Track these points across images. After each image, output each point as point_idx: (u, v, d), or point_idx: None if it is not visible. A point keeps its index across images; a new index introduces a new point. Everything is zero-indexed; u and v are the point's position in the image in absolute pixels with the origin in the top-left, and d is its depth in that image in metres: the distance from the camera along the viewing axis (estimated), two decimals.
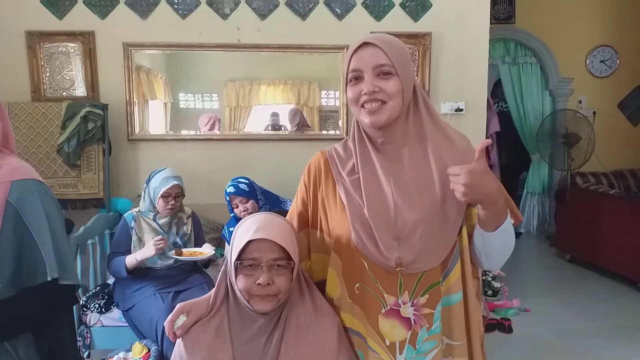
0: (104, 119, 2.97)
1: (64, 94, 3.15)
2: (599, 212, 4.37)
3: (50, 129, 2.94)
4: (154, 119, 3.44)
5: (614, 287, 4.12)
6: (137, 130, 3.24)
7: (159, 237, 2.30)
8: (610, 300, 3.81)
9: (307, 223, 1.28)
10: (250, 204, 2.55)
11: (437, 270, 1.11)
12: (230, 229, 2.66)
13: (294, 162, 3.23)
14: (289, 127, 3.55)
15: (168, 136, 3.34)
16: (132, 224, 2.43)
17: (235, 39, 3.23)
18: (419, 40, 3.31)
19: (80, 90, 3.15)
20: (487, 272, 3.69)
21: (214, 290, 1.23)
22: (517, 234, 5.89)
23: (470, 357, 1.17)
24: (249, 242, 1.12)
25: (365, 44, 1.10)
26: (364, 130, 1.18)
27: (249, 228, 1.15)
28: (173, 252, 2.37)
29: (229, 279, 1.19)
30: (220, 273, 1.24)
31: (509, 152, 6.35)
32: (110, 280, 2.73)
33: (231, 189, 2.58)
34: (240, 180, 2.62)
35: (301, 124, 3.52)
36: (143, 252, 2.32)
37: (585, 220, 4.43)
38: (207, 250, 2.42)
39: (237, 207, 2.57)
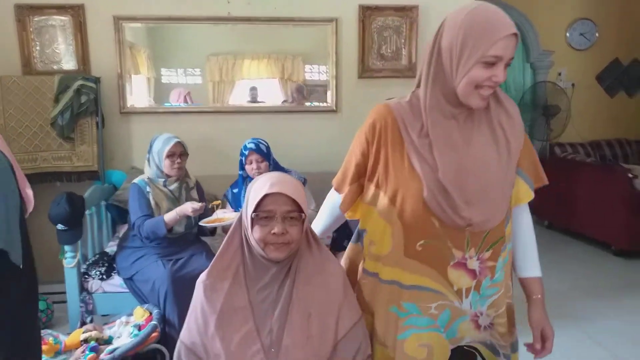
0: (97, 92, 3.01)
1: (55, 67, 3.17)
2: (575, 180, 4.57)
3: (44, 103, 2.97)
4: (138, 95, 3.43)
5: (590, 250, 4.34)
6: (129, 103, 3.27)
7: (199, 204, 2.38)
8: (586, 263, 4.03)
9: (363, 174, 1.31)
10: (264, 165, 2.63)
11: (500, 228, 1.24)
12: (234, 190, 2.76)
13: (282, 134, 3.31)
14: (288, 100, 3.61)
15: (160, 109, 3.39)
16: (148, 189, 2.49)
17: (225, 12, 3.26)
18: (406, 13, 3.38)
19: (71, 64, 3.17)
20: None
21: (225, 241, 1.33)
22: None
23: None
24: (266, 196, 1.22)
25: (513, 35, 1.11)
26: (440, 100, 1.19)
27: (264, 184, 1.25)
28: (205, 220, 2.45)
29: (244, 231, 1.29)
30: (231, 227, 1.34)
31: None
32: (109, 249, 2.81)
33: (252, 146, 2.65)
34: (261, 140, 2.70)
35: (301, 98, 3.59)
36: (181, 209, 2.39)
37: (562, 188, 4.62)
38: (231, 214, 2.46)
39: (252, 163, 2.63)
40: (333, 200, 1.45)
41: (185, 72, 3.54)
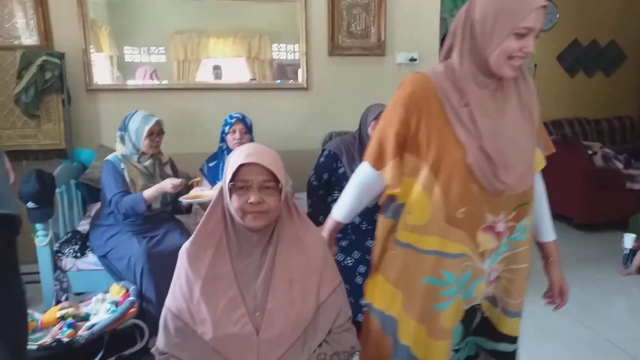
0: (62, 68, 2.93)
1: (16, 42, 3.06)
2: None
3: (5, 79, 2.87)
4: (102, 73, 3.34)
5: (554, 225, 4.51)
6: (97, 78, 3.19)
7: (179, 180, 2.37)
8: None
9: (403, 145, 1.30)
10: (246, 137, 2.66)
11: (529, 191, 1.32)
12: (210, 164, 2.76)
13: (253, 111, 3.29)
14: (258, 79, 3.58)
15: (128, 86, 3.32)
16: (122, 165, 2.46)
17: None
18: None
19: (33, 39, 3.07)
20: None
21: (207, 211, 1.35)
22: None
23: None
24: (241, 166, 1.25)
25: (543, 7, 1.16)
26: (475, 71, 1.23)
27: (241, 154, 1.28)
28: (185, 195, 2.45)
29: (225, 200, 1.31)
30: (213, 198, 1.36)
31: None
32: (81, 228, 2.77)
33: (239, 115, 2.69)
34: (245, 114, 2.74)
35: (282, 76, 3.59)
36: (160, 186, 2.38)
37: None
38: (210, 192, 2.47)
39: (234, 132, 2.65)
40: (366, 178, 1.40)
41: (148, 50, 3.45)
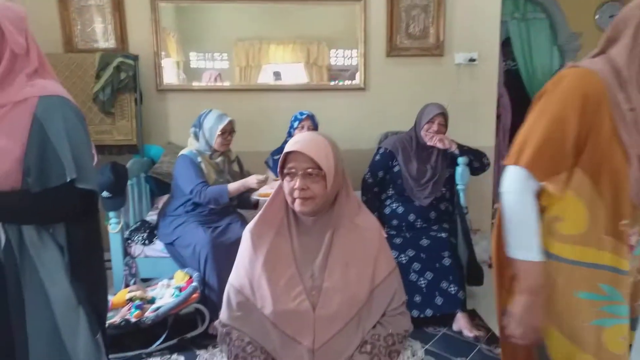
0: (135, 70, 3.13)
1: (95, 45, 3.30)
2: None
3: (85, 79, 3.10)
4: (170, 77, 3.50)
5: None
6: (165, 81, 3.39)
7: (263, 176, 2.52)
8: None
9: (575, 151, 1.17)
10: None
11: None
12: (275, 157, 2.91)
13: (313, 111, 3.39)
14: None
15: (195, 87, 3.49)
16: (198, 159, 2.61)
17: None
18: None
19: (110, 42, 3.30)
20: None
21: (270, 197, 1.44)
22: None
23: None
24: (288, 154, 1.33)
25: None
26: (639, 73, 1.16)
27: (290, 143, 1.35)
28: (257, 192, 2.60)
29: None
30: (277, 186, 1.44)
31: (520, 111, 6.45)
32: (149, 218, 2.95)
33: (309, 113, 2.96)
34: (314, 114, 3.01)
35: None
36: (245, 182, 2.54)
37: None
38: None
39: (302, 129, 2.85)
40: (528, 192, 1.19)
41: (212, 56, 3.62)
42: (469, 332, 2.52)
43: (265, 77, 3.64)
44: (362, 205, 1.47)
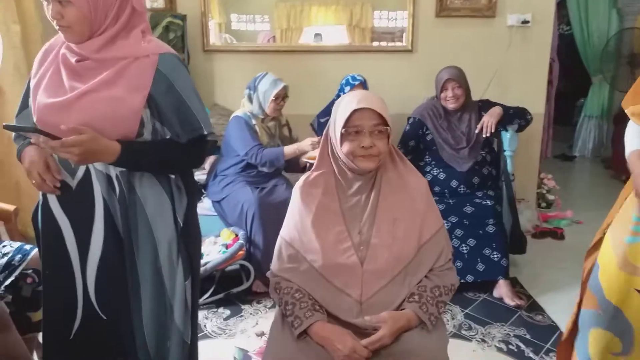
0: (184, 29, 3.16)
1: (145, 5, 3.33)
2: None
3: None
4: (213, 38, 3.49)
5: None
6: (212, 41, 3.41)
7: (317, 138, 2.57)
8: None
9: None
10: None
11: None
12: (321, 120, 2.94)
13: (360, 73, 3.35)
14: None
15: (241, 47, 3.50)
16: (252, 121, 2.66)
17: None
18: None
19: (159, 2, 3.33)
20: (543, 185, 3.81)
21: (317, 157, 1.45)
22: (571, 157, 5.89)
23: None
24: (354, 111, 1.31)
25: None
26: None
27: (351, 100, 1.34)
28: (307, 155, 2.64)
29: (334, 147, 1.38)
30: (320, 145, 1.45)
31: (568, 78, 6.22)
32: (196, 177, 3.02)
33: (361, 79, 2.96)
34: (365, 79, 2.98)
35: None
36: (300, 145, 2.61)
37: None
38: None
39: None
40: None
41: (254, 18, 3.58)
42: (510, 300, 2.52)
43: (306, 40, 3.60)
44: (409, 163, 1.46)
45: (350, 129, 1.32)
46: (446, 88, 2.77)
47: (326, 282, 1.34)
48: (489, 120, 2.73)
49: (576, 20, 5.57)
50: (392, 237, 1.35)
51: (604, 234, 1.49)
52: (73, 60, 1.25)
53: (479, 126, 2.76)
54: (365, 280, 1.33)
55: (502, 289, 2.58)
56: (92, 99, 1.21)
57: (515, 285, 2.70)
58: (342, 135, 1.33)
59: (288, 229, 1.43)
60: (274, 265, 1.43)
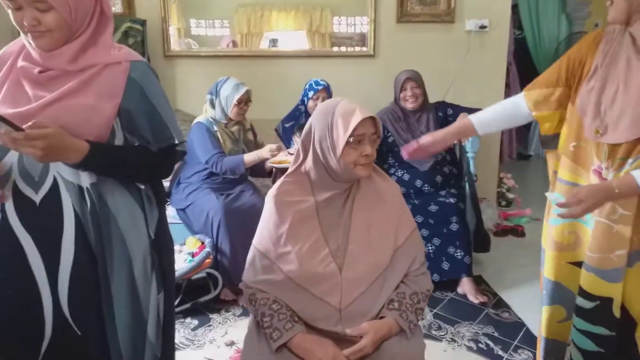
0: (143, 35, 3.09)
1: None
2: None
3: None
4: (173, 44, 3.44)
5: None
6: (172, 46, 3.35)
7: (275, 145, 2.53)
8: None
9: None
10: None
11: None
12: (286, 125, 2.92)
13: (323, 78, 3.37)
14: None
15: (202, 52, 3.46)
16: (214, 128, 2.61)
17: None
18: None
19: (117, 7, 3.25)
20: (502, 184, 3.92)
21: (291, 165, 1.45)
22: (527, 157, 6.07)
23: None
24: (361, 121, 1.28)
25: None
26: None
27: (349, 110, 1.31)
28: (271, 160, 2.59)
29: (325, 156, 1.34)
30: (295, 155, 1.44)
31: (522, 80, 6.43)
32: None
33: (325, 84, 2.96)
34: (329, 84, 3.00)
35: None
36: (259, 153, 2.56)
37: None
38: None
39: (318, 99, 2.88)
40: None
41: (213, 23, 3.55)
42: (473, 298, 2.58)
43: (266, 45, 3.59)
44: (379, 169, 1.48)
45: (355, 138, 1.31)
46: (405, 88, 2.84)
47: (304, 291, 1.33)
48: None
49: (528, 24, 5.78)
50: (368, 243, 1.36)
51: None
52: (35, 71, 1.18)
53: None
54: (344, 287, 1.33)
55: (465, 286, 2.64)
56: (60, 107, 1.16)
57: (481, 284, 2.76)
58: (346, 144, 1.30)
59: (261, 239, 1.40)
60: (247, 276, 1.41)
